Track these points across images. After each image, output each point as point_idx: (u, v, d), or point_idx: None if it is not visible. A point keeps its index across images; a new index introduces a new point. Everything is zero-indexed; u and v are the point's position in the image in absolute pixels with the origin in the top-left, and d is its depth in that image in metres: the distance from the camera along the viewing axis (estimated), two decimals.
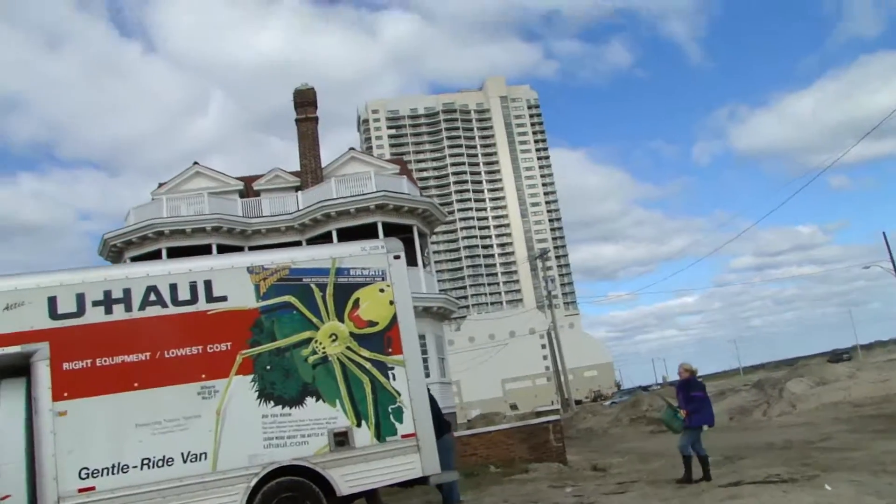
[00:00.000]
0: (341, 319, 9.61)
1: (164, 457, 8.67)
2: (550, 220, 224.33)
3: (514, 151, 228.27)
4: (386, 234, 29.76)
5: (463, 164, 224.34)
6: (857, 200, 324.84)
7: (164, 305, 9.15)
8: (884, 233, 75.71)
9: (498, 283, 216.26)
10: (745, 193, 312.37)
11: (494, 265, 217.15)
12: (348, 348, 9.54)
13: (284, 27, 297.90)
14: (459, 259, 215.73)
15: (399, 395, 9.57)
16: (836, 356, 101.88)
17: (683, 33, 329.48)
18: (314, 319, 9.53)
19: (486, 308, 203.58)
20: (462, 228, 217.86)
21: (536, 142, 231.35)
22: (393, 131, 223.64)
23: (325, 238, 30.19)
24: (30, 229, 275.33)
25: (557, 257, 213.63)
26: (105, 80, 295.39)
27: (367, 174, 31.18)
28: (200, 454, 8.77)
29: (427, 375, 29.61)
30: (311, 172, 33.20)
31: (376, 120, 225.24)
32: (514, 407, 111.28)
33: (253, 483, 8.82)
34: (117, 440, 8.65)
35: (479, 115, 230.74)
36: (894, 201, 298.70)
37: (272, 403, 9.14)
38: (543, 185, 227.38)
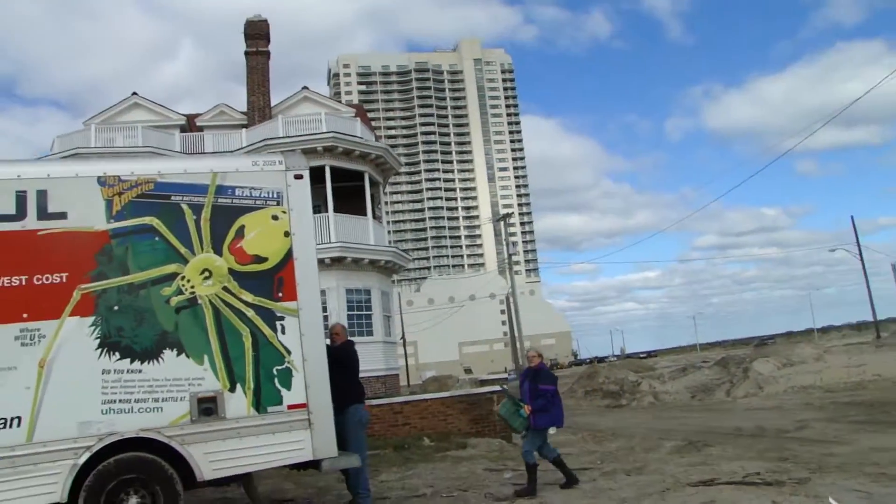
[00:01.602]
0: (219, 252, 7.39)
1: None
2: (518, 187, 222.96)
3: (486, 115, 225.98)
4: (335, 181, 27.49)
5: (433, 124, 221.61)
6: (823, 186, 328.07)
7: None
8: (852, 216, 75.10)
9: (461, 247, 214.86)
10: (714, 172, 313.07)
11: (458, 228, 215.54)
12: (225, 289, 7.33)
13: None
14: (423, 220, 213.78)
15: (289, 353, 7.39)
16: (762, 342, 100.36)
17: (665, 7, 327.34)
18: (182, 250, 7.29)
19: (448, 271, 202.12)
20: (428, 189, 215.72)
21: (508, 107, 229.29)
22: (363, 87, 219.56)
23: None
24: None
25: (522, 223, 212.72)
26: (72, 20, 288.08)
27: (318, 115, 28.69)
28: (12, 419, 6.57)
29: (371, 334, 27.62)
30: (258, 110, 30.65)
31: (347, 75, 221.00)
32: (468, 371, 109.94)
33: (83, 459, 6.64)
34: None
35: (451, 77, 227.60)
36: (860, 189, 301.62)
37: (118, 356, 6.93)
38: (513, 150, 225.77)
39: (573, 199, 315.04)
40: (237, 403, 7.13)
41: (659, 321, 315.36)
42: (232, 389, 7.15)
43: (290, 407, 7.28)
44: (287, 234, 7.60)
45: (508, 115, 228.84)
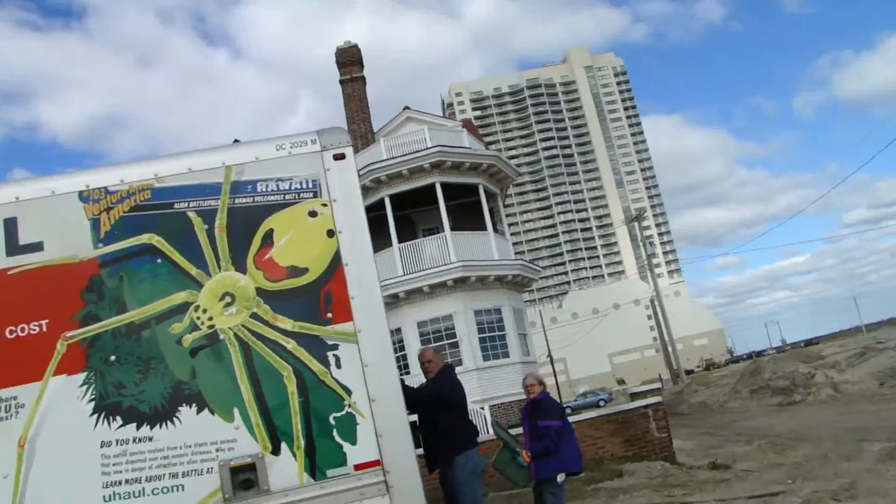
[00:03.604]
0: (242, 268, 5.52)
1: None
2: (647, 188, 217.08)
3: (605, 121, 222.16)
4: (447, 198, 25.85)
5: (552, 139, 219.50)
6: None
7: None
8: None
9: (598, 257, 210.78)
10: (854, 142, 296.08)
11: (593, 238, 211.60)
12: (254, 317, 5.44)
13: (366, 17, 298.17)
14: (557, 235, 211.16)
15: (349, 393, 5.40)
16: None
17: None
18: (193, 271, 5.47)
19: (589, 283, 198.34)
20: (557, 204, 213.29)
21: (626, 109, 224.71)
22: (478, 112, 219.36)
23: (377, 208, 26.29)
24: None
25: (658, 225, 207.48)
26: (197, 89, 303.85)
27: (422, 131, 27.10)
28: None
29: (507, 356, 25.52)
30: (360, 138, 29.40)
31: (461, 103, 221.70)
32: (621, 382, 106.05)
33: None
34: None
35: (564, 89, 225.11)
36: None
37: (119, 421, 5.15)
38: (637, 152, 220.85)
39: (708, 192, 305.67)
40: (285, 469, 5.21)
41: (815, 306, 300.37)
42: (275, 451, 5.23)
43: (357, 467, 5.29)
44: (331, 232, 5.65)
45: (628, 117, 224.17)
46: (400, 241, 25.60)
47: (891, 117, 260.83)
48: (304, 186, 5.76)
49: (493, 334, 24.99)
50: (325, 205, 5.72)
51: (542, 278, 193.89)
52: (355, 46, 30.77)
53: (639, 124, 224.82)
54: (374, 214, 26.62)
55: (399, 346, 24.85)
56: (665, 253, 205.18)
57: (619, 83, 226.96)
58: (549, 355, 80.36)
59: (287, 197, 5.72)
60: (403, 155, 25.78)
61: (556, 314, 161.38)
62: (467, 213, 27.47)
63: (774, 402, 26.76)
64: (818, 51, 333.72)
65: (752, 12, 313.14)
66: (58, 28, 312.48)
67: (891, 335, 47.93)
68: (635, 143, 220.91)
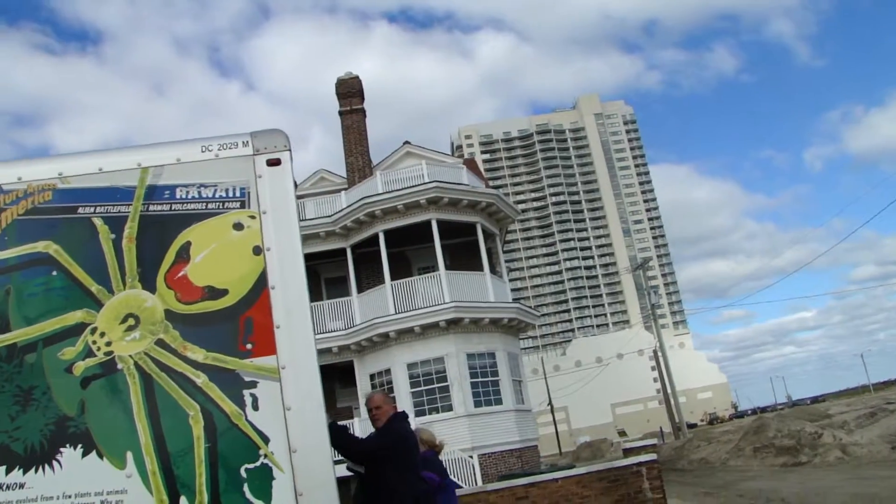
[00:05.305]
0: (151, 286, 4.67)
1: None
2: (654, 238, 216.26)
3: (613, 169, 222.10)
4: (443, 236, 25.07)
5: (560, 184, 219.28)
6: None
7: None
8: None
9: (603, 305, 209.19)
10: (861, 198, 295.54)
11: (598, 286, 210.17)
12: (161, 344, 4.57)
13: (379, 54, 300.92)
14: (562, 282, 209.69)
15: (266, 441, 4.49)
16: None
17: (790, 32, 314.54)
18: (94, 287, 4.63)
19: (593, 331, 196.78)
20: (563, 251, 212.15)
21: (635, 157, 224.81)
22: (487, 156, 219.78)
23: (371, 243, 25.55)
24: None
25: (664, 275, 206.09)
26: (208, 120, 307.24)
27: (419, 166, 26.41)
28: None
29: (499, 402, 24.51)
30: (358, 171, 28.76)
31: (469, 145, 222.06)
32: (622, 433, 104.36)
33: None
34: None
35: (574, 135, 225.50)
36: None
37: None
38: (645, 201, 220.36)
39: (715, 244, 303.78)
40: None
41: (821, 363, 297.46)
42: None
43: None
44: (258, 250, 4.79)
45: (636, 165, 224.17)
46: (393, 279, 24.79)
47: None
48: (231, 195, 4.93)
49: (485, 379, 24.05)
50: (253, 217, 4.87)
51: (545, 325, 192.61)
52: (356, 78, 30.27)
53: (647, 173, 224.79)
54: (368, 250, 25.92)
55: (388, 387, 23.92)
56: (670, 303, 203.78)
57: (628, 131, 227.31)
58: (550, 403, 79.05)
59: (210, 206, 4.88)
60: (399, 189, 25.09)
61: (559, 362, 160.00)
62: (464, 253, 26.70)
63: (779, 463, 25.62)
64: (828, 105, 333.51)
65: (763, 65, 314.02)
66: (73, 53, 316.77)
67: (892, 396, 46.52)
68: (643, 192, 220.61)
